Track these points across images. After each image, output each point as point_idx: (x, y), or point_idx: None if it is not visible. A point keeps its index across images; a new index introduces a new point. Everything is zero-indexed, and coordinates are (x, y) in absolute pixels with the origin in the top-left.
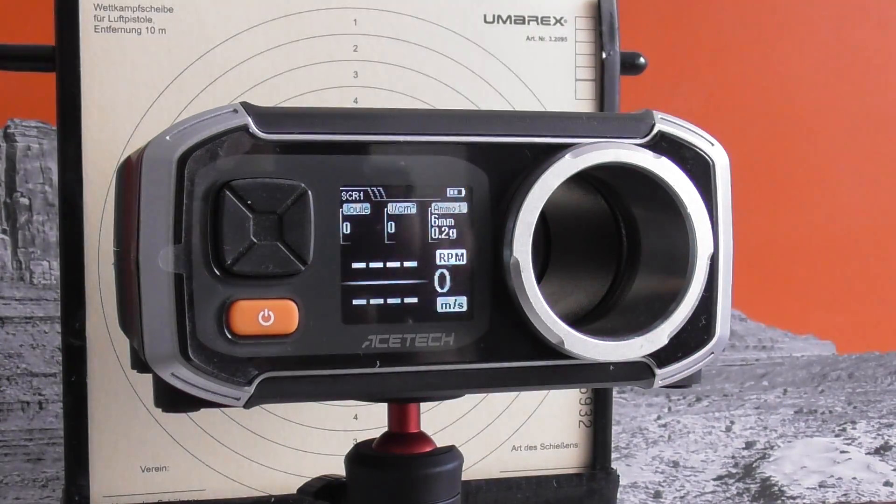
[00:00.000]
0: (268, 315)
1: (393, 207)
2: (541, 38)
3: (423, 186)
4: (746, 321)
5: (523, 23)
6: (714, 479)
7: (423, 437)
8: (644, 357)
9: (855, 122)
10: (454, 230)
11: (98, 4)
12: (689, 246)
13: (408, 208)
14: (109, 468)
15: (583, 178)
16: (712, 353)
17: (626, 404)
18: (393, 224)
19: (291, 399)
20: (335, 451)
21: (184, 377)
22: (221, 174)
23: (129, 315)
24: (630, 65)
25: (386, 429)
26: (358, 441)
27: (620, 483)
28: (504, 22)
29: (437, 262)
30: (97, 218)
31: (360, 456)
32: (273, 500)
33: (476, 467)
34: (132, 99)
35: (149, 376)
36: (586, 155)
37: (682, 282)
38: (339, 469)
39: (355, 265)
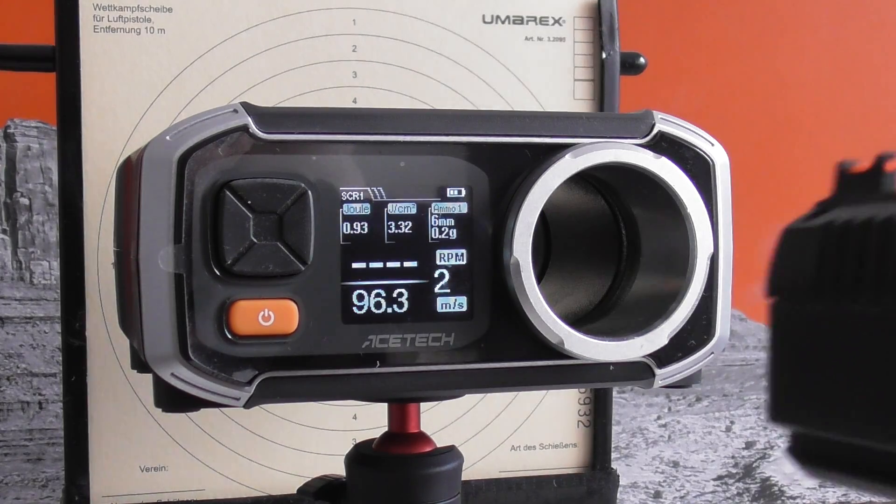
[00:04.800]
0: (268, 315)
1: (393, 207)
2: (539, 39)
3: (423, 186)
4: (746, 321)
5: (522, 23)
6: (714, 479)
7: (423, 437)
8: (644, 357)
9: (854, 122)
10: (454, 230)
11: (97, 4)
12: (689, 246)
13: (408, 208)
14: (109, 468)
15: (583, 178)
16: (712, 353)
17: (626, 404)
18: (393, 224)
19: (291, 399)
20: (335, 451)
21: (184, 377)
22: (221, 174)
23: (129, 315)
24: (630, 65)
25: (386, 429)
26: (358, 441)
27: (620, 483)
28: (503, 22)
29: (437, 262)
30: (97, 218)
31: (360, 456)
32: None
33: (476, 467)
34: (132, 99)
35: (149, 376)
36: (586, 155)
37: (682, 282)
38: (339, 469)
39: (355, 265)
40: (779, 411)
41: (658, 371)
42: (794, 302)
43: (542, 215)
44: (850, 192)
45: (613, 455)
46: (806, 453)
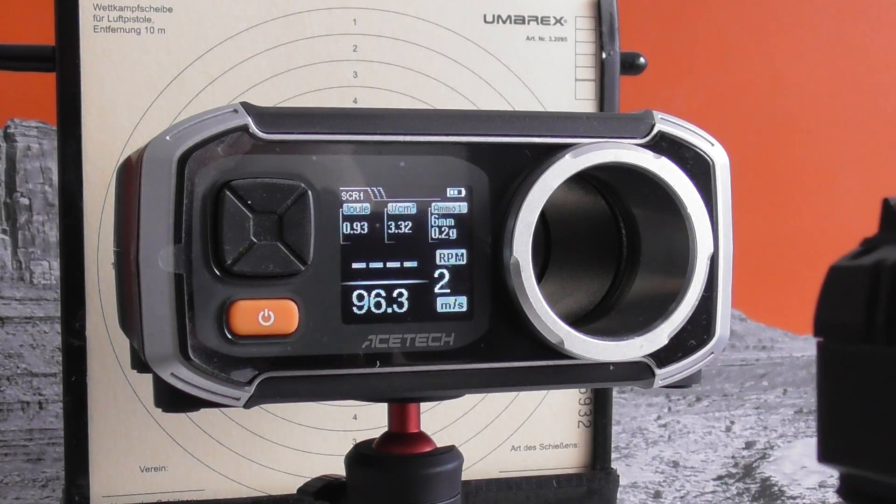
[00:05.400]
0: (268, 315)
1: (393, 207)
2: (541, 38)
3: (423, 186)
4: (746, 321)
5: (523, 23)
6: (714, 479)
7: (423, 437)
8: (644, 357)
9: (854, 122)
10: (454, 230)
11: (97, 4)
12: (689, 246)
13: (408, 208)
14: (109, 468)
15: (583, 178)
16: (712, 353)
17: (626, 404)
18: (393, 224)
19: (291, 399)
20: (335, 451)
21: (184, 377)
22: (221, 174)
23: (129, 315)
24: (630, 65)
25: (386, 429)
26: (358, 441)
27: (620, 483)
28: (504, 22)
29: (437, 262)
30: (97, 218)
31: (360, 456)
32: None
33: (476, 467)
34: (132, 99)
35: (149, 376)
36: (586, 155)
37: (682, 282)
38: (339, 469)
39: (355, 265)
40: (828, 452)
41: (658, 371)
42: (844, 343)
43: (542, 215)
44: None
45: (613, 455)
46: (856, 494)
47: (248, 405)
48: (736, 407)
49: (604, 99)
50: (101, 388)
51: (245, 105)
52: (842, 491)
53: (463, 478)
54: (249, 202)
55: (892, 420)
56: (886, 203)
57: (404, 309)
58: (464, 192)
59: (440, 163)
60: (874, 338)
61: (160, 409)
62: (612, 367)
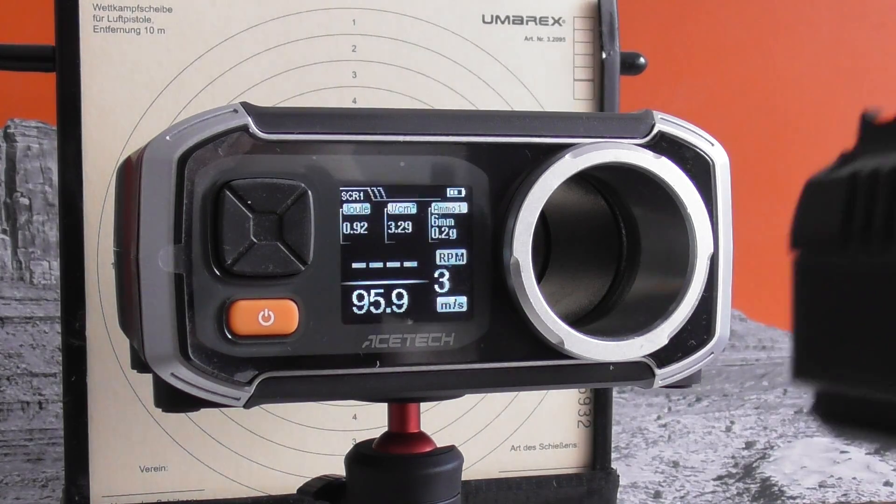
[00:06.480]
0: (268, 315)
1: (393, 207)
2: (539, 39)
3: (423, 186)
4: (746, 321)
5: (522, 23)
6: (714, 479)
7: (423, 437)
8: (644, 357)
9: (854, 122)
10: (454, 230)
11: (97, 4)
12: (689, 246)
13: (408, 208)
14: (109, 468)
15: (583, 178)
16: (712, 353)
17: (626, 404)
18: (393, 224)
19: (291, 399)
20: (335, 451)
21: (184, 377)
22: (221, 174)
23: (129, 315)
24: (630, 65)
25: (386, 429)
26: (358, 441)
27: (620, 483)
28: (502, 22)
29: (437, 262)
30: (97, 218)
31: (360, 456)
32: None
33: (476, 467)
34: (131, 99)
35: (148, 376)
36: (586, 155)
37: (682, 282)
38: (339, 469)
39: (355, 265)
40: (803, 369)
41: (658, 371)
42: (819, 254)
43: (542, 215)
44: (875, 143)
45: (613, 455)
46: (830, 412)
47: (248, 405)
48: (736, 407)
49: (603, 99)
50: (101, 388)
51: (245, 105)
52: (815, 410)
53: (463, 478)
54: (249, 202)
55: (866, 331)
56: (864, 117)
57: (404, 309)
58: (464, 192)
59: (440, 163)
60: (850, 247)
61: (160, 409)
62: (612, 367)
